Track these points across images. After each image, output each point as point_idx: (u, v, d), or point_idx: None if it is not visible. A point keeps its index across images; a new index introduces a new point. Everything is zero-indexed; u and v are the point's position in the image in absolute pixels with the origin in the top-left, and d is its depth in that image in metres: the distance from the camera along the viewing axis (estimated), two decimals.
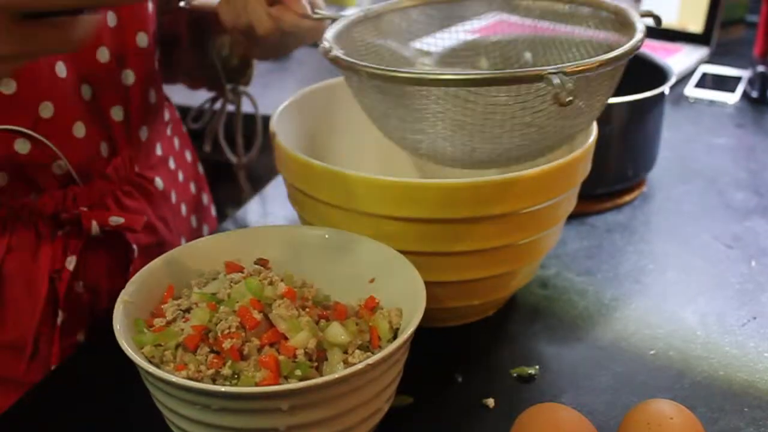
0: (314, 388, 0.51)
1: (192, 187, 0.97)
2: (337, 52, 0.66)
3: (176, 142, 0.94)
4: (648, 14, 0.73)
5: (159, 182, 0.87)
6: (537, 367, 0.70)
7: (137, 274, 0.63)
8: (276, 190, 1.02)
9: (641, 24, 0.69)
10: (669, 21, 1.53)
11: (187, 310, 0.60)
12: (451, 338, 0.74)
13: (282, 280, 0.61)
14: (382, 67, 0.62)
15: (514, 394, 0.67)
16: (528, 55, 1.11)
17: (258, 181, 1.03)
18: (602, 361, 0.71)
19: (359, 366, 0.52)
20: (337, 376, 0.52)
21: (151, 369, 0.53)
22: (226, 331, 0.56)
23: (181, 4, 0.86)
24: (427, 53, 1.28)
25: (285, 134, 0.71)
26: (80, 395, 0.69)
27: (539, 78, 0.59)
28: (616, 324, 0.76)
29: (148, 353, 0.57)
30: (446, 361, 0.71)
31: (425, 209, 0.64)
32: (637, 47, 0.65)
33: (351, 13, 0.76)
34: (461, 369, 0.70)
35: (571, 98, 0.58)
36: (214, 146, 0.97)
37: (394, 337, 0.60)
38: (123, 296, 0.60)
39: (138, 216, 0.80)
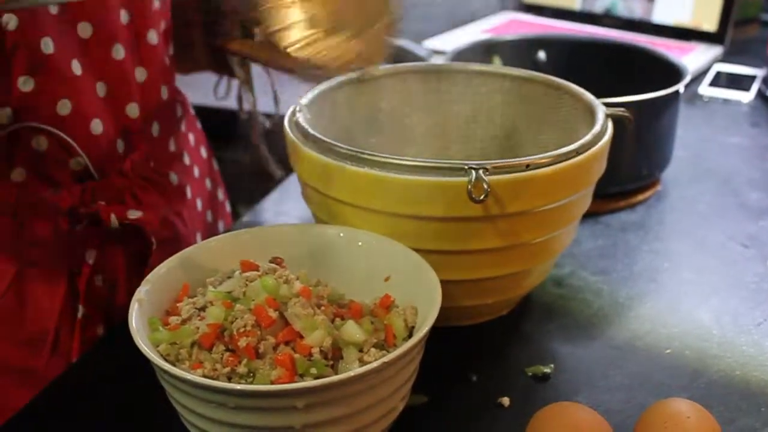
0: (330, 386, 0.51)
1: (207, 183, 0.98)
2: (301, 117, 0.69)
3: (191, 138, 0.95)
4: (618, 114, 0.73)
5: (174, 177, 0.88)
6: (552, 366, 0.69)
7: (152, 273, 0.63)
8: (290, 188, 1.02)
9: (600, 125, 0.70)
10: (683, 20, 1.53)
11: (203, 308, 0.60)
12: (465, 337, 0.74)
13: (297, 279, 0.61)
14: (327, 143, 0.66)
15: (529, 393, 0.67)
16: (542, 55, 1.11)
17: (271, 179, 1.03)
18: (617, 360, 0.71)
19: (375, 364, 0.52)
20: (352, 374, 0.51)
21: (167, 367, 0.53)
22: (242, 330, 0.56)
23: None
24: (441, 52, 1.29)
25: (298, 131, 0.70)
26: (96, 392, 0.69)
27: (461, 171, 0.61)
28: (631, 323, 0.76)
29: (163, 351, 0.57)
30: (461, 360, 0.71)
31: (440, 208, 0.64)
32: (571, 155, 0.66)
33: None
34: (476, 368, 0.69)
35: (483, 196, 0.59)
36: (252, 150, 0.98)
37: (410, 336, 0.59)
38: (138, 294, 0.60)
39: (155, 210, 0.81)
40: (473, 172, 0.61)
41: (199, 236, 0.93)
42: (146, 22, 0.80)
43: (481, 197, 0.60)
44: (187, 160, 0.92)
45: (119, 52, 0.77)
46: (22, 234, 0.75)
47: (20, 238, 0.75)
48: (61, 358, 0.77)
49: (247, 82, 0.94)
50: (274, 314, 0.57)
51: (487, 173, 0.61)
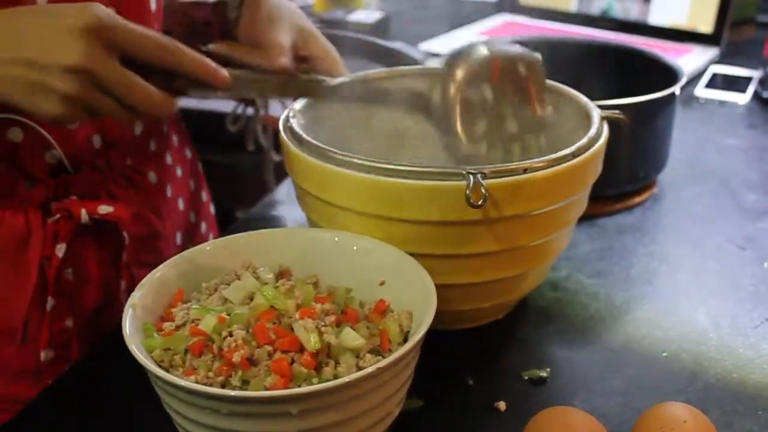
0: (324, 391, 0.51)
1: (191, 184, 0.98)
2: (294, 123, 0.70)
3: (174, 138, 0.95)
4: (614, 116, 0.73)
5: (152, 176, 0.88)
6: (548, 369, 0.69)
7: (147, 278, 0.62)
8: (285, 192, 1.02)
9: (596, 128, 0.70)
10: (679, 22, 1.53)
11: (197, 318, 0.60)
12: (461, 341, 0.74)
13: (314, 285, 0.62)
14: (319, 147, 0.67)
15: (526, 397, 0.67)
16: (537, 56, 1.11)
17: (267, 183, 1.03)
18: (614, 363, 0.71)
19: (370, 370, 0.52)
20: (347, 379, 0.51)
21: (161, 373, 0.53)
22: (233, 345, 0.55)
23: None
24: (437, 55, 1.28)
25: (293, 136, 0.70)
26: (89, 400, 0.69)
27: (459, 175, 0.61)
28: (627, 326, 0.76)
29: (157, 357, 0.56)
30: (457, 364, 0.70)
31: (437, 212, 0.64)
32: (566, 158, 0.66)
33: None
34: (472, 372, 0.69)
35: (482, 201, 0.59)
36: (257, 145, 0.98)
37: (405, 341, 0.59)
38: (132, 299, 0.59)
39: (128, 206, 0.81)
40: (471, 177, 0.60)
41: (179, 235, 0.94)
42: (136, 22, 0.79)
43: (480, 202, 0.60)
44: (169, 160, 0.92)
45: None
46: None
47: None
48: (29, 350, 0.78)
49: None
50: (272, 332, 0.56)
51: (485, 178, 0.61)
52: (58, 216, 0.77)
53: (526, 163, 0.64)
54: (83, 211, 0.77)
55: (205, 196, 1.03)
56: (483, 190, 0.60)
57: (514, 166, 0.63)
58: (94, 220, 0.78)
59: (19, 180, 0.76)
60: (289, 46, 0.79)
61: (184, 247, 0.87)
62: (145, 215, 0.85)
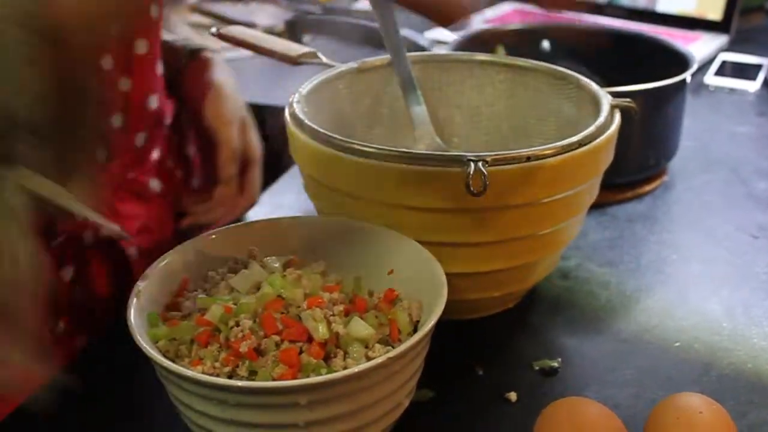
0: (333, 382, 0.50)
1: (194, 182, 0.96)
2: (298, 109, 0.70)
3: (176, 139, 0.93)
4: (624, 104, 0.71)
5: (155, 184, 0.86)
6: (559, 359, 0.68)
7: (151, 267, 0.61)
8: (290, 180, 1.01)
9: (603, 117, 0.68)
10: (687, 9, 1.51)
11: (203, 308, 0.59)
12: (471, 331, 0.72)
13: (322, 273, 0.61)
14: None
15: (537, 387, 0.66)
16: (546, 44, 1.10)
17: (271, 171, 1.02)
18: (626, 353, 0.70)
19: (379, 360, 0.51)
20: (356, 370, 0.50)
21: (167, 364, 0.52)
22: (240, 335, 0.55)
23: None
24: (444, 42, 1.27)
25: (298, 122, 0.69)
26: (92, 390, 0.68)
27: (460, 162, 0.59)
28: (639, 315, 0.75)
29: (162, 347, 0.56)
30: (467, 355, 0.69)
31: (441, 199, 0.63)
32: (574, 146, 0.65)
33: None
34: (482, 362, 0.68)
35: (482, 189, 0.58)
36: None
37: (415, 331, 0.58)
38: (137, 288, 0.58)
39: (132, 222, 0.79)
40: (472, 164, 0.59)
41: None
42: (137, 33, 0.78)
43: (480, 190, 0.58)
44: (170, 164, 0.90)
45: (107, 62, 0.75)
46: None
47: None
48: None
49: None
50: (279, 323, 0.55)
51: (487, 165, 0.59)
52: (62, 238, 0.75)
53: (530, 151, 0.63)
54: (87, 233, 0.76)
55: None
56: (484, 178, 0.58)
57: (516, 154, 0.62)
58: (98, 239, 0.76)
59: None
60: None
61: None
62: (150, 226, 0.84)
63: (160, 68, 0.84)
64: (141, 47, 0.79)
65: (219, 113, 0.88)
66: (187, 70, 0.91)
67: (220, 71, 0.92)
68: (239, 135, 0.90)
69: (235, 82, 0.93)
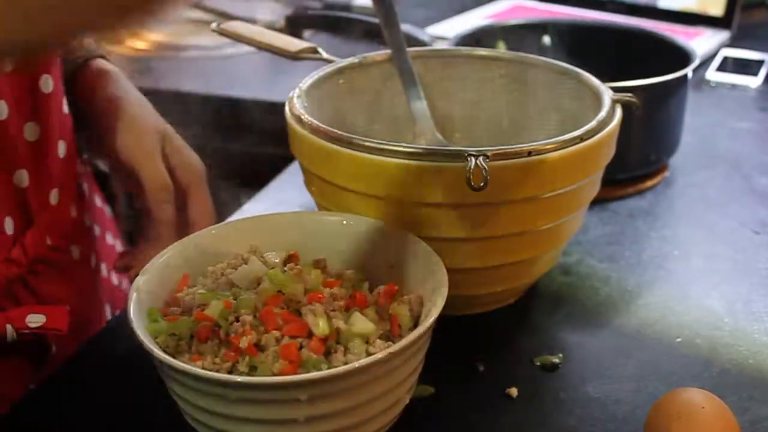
0: (334, 377, 0.50)
1: (108, 238, 0.87)
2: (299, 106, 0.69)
3: (96, 199, 0.84)
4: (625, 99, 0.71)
5: (75, 251, 0.76)
6: (560, 355, 0.68)
7: (150, 263, 0.61)
8: (291, 176, 1.01)
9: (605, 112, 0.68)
10: (689, 4, 1.51)
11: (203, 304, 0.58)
12: (471, 326, 0.72)
13: (322, 269, 0.60)
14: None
15: (538, 383, 0.66)
16: (547, 39, 1.10)
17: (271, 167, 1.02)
18: (627, 348, 0.70)
19: (380, 355, 0.51)
20: (357, 365, 0.50)
21: (167, 359, 0.52)
22: (240, 330, 0.54)
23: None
24: (444, 38, 1.27)
25: (298, 117, 0.69)
26: (91, 387, 0.68)
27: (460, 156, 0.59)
28: (640, 311, 0.75)
29: (162, 343, 0.55)
30: (467, 350, 0.69)
31: (446, 194, 0.63)
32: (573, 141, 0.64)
33: None
34: (483, 358, 0.68)
35: (483, 184, 0.57)
36: None
37: (415, 326, 0.58)
38: (136, 284, 0.58)
39: (60, 308, 0.66)
40: (472, 159, 0.59)
41: (108, 307, 0.83)
42: (39, 68, 0.66)
43: (480, 185, 0.58)
44: (87, 222, 0.80)
45: (2, 110, 0.64)
46: None
47: None
48: None
49: None
50: (279, 318, 0.55)
51: (488, 160, 0.59)
52: None
53: (531, 146, 0.62)
54: (9, 328, 0.63)
55: (119, 244, 0.89)
56: (484, 173, 0.58)
57: (518, 149, 0.62)
58: (21, 335, 0.64)
59: None
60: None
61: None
62: (78, 305, 0.72)
63: (65, 107, 0.72)
64: (47, 85, 0.67)
65: (135, 143, 0.71)
66: (75, 80, 0.75)
67: (116, 83, 0.75)
68: (165, 159, 0.73)
69: (138, 93, 0.76)
